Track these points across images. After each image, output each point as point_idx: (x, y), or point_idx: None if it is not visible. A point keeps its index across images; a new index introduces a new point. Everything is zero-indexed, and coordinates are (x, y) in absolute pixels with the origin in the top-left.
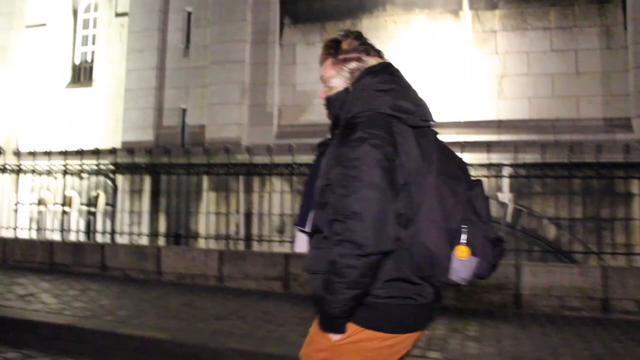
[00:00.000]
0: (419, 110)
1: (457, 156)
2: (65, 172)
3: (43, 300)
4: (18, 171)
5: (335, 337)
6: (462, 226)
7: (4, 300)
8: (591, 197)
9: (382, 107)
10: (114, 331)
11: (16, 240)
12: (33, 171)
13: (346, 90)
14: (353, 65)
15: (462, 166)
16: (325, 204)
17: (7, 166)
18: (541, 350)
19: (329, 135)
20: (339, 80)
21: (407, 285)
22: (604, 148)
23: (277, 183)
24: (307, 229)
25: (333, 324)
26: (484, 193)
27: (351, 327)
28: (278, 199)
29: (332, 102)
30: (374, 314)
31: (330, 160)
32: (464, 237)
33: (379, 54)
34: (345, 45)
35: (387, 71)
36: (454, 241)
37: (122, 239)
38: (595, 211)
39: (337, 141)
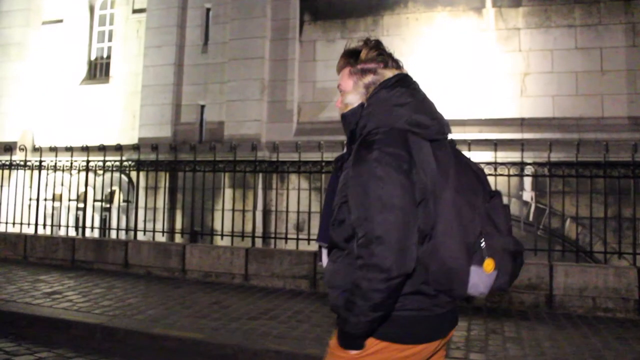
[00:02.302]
0: (436, 123)
1: (475, 166)
2: (87, 169)
3: (70, 298)
4: (39, 167)
5: (353, 352)
6: (480, 240)
7: (32, 298)
8: (618, 196)
9: (398, 122)
10: (148, 331)
11: (37, 237)
12: (55, 167)
13: (361, 105)
14: (369, 79)
15: (480, 177)
16: (342, 220)
17: (27, 162)
18: (583, 352)
19: (345, 150)
20: (354, 97)
21: (422, 298)
22: (628, 146)
23: (297, 180)
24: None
25: (353, 342)
26: (503, 204)
27: (368, 340)
28: (298, 196)
29: (348, 119)
30: (390, 326)
31: (347, 178)
32: (486, 251)
33: (397, 64)
34: (363, 55)
35: (403, 84)
36: (472, 255)
37: (139, 236)
38: (627, 211)
39: (354, 159)
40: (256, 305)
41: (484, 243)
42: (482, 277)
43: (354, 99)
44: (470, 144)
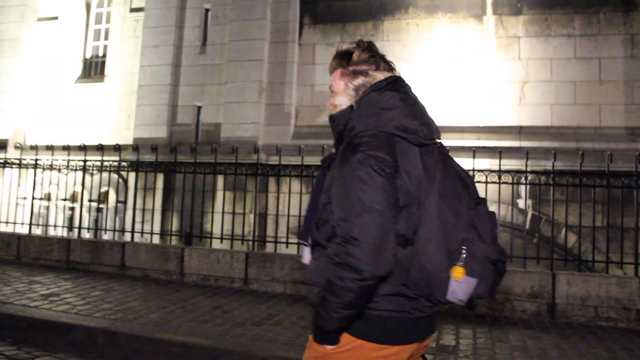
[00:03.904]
0: (425, 129)
1: (463, 173)
2: (84, 169)
3: (68, 300)
4: (35, 166)
5: (330, 347)
6: (462, 247)
7: (29, 300)
8: (621, 206)
9: (386, 126)
10: (152, 336)
11: (31, 237)
12: (51, 166)
13: (350, 107)
14: (359, 81)
15: (468, 184)
16: (327, 220)
17: (23, 161)
18: None
19: (333, 150)
20: (343, 99)
21: (403, 299)
22: (624, 156)
23: (299, 184)
24: (310, 241)
25: (326, 337)
26: (489, 212)
27: (345, 336)
28: (300, 200)
29: (336, 120)
30: (367, 325)
31: (332, 178)
32: (462, 258)
33: (389, 66)
34: (355, 57)
35: (394, 88)
36: (453, 262)
37: (134, 237)
38: (626, 221)
39: (339, 160)
40: (259, 310)
41: (465, 250)
42: (461, 284)
43: (343, 101)
44: (475, 151)
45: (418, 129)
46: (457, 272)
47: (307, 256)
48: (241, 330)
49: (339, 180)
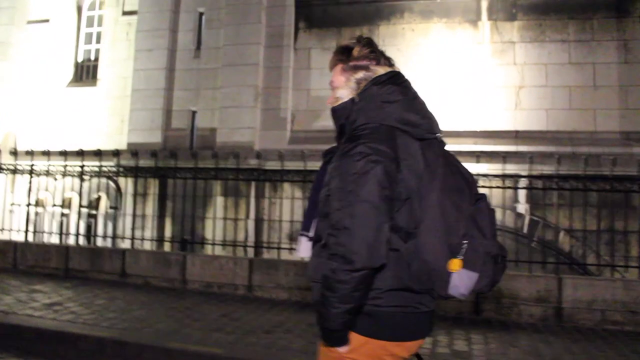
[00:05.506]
0: (426, 122)
1: (463, 169)
2: (81, 174)
3: (72, 309)
4: (31, 172)
5: (342, 350)
6: (463, 241)
7: (32, 310)
8: (625, 210)
9: (388, 119)
10: (163, 345)
11: (28, 245)
12: (47, 172)
13: (352, 100)
14: (360, 75)
15: (468, 179)
16: (328, 213)
17: (18, 166)
18: None
19: (335, 144)
20: (344, 92)
21: (408, 294)
22: (619, 161)
23: (302, 190)
24: (311, 234)
25: (334, 338)
26: (489, 208)
27: (355, 336)
28: (303, 206)
29: (338, 113)
30: (375, 322)
31: (332, 170)
32: (462, 252)
33: (389, 61)
34: (355, 52)
35: (395, 82)
36: (454, 256)
37: (125, 244)
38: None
39: (340, 152)
40: (267, 317)
41: (466, 245)
42: (462, 278)
43: (345, 93)
44: (479, 156)
45: (419, 122)
46: (454, 264)
47: (304, 249)
48: (253, 339)
49: (338, 170)
